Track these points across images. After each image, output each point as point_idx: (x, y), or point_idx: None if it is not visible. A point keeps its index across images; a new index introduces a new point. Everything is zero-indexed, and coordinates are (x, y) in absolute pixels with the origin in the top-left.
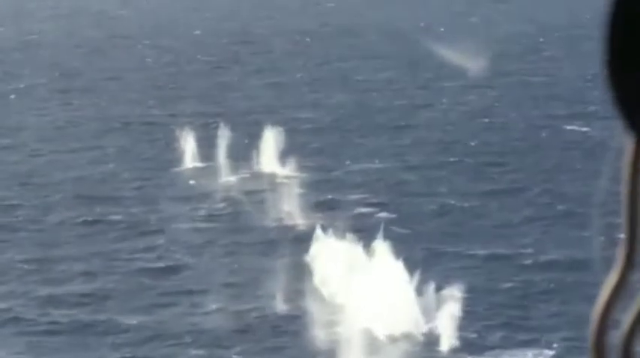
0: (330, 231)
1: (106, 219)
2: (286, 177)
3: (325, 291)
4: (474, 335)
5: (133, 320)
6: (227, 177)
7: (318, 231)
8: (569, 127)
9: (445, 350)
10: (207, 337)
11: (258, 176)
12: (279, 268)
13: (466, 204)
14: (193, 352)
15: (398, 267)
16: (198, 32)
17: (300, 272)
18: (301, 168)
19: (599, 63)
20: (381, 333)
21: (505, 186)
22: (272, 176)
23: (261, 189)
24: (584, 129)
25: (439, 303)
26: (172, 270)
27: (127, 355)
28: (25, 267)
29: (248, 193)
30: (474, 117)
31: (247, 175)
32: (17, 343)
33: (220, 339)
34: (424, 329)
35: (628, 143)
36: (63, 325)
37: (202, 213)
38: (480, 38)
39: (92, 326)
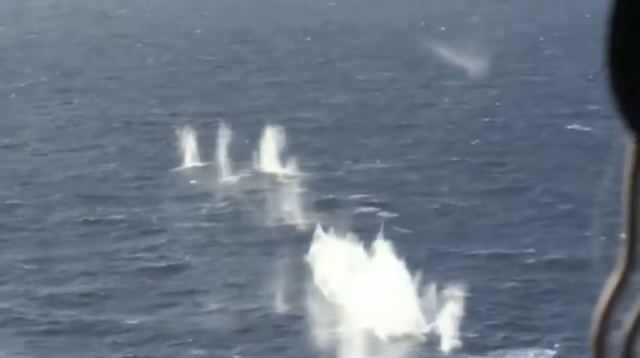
0: (331, 230)
1: (106, 218)
2: (287, 176)
3: (326, 291)
4: (476, 336)
5: (133, 320)
6: (228, 177)
7: (319, 231)
8: (570, 127)
9: (446, 350)
10: (208, 337)
11: (259, 175)
12: (279, 268)
13: (468, 204)
14: (194, 352)
15: (399, 266)
16: (198, 31)
17: (301, 272)
18: (302, 167)
19: (600, 62)
20: (382, 333)
21: (507, 185)
22: (273, 175)
23: (262, 189)
24: (586, 128)
25: (440, 303)
26: (173, 270)
27: (128, 355)
28: (26, 266)
29: (249, 193)
30: (476, 117)
31: (248, 175)
32: (18, 343)
33: (221, 339)
34: (425, 329)
35: (629, 143)
36: (63, 325)
37: (203, 212)
38: (481, 37)
39: (93, 326)
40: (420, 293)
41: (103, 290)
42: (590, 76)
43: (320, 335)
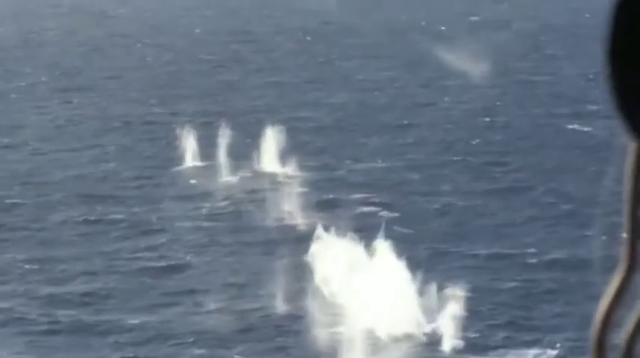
0: (332, 230)
1: (107, 218)
2: (287, 176)
3: (326, 291)
4: (477, 335)
5: (134, 320)
6: (228, 177)
7: (320, 231)
8: (571, 126)
9: (447, 350)
10: (208, 336)
11: (259, 175)
12: (280, 268)
13: (468, 204)
14: (195, 351)
15: (400, 266)
16: (198, 31)
17: (302, 271)
18: (302, 167)
19: (601, 62)
20: (382, 333)
21: (508, 185)
22: (273, 175)
23: (262, 189)
24: (587, 128)
25: (441, 303)
26: (174, 270)
27: (129, 355)
28: (26, 266)
29: (249, 192)
30: (476, 116)
31: (248, 174)
32: (18, 343)
33: (222, 339)
34: (426, 329)
35: (629, 143)
36: (64, 325)
37: (203, 212)
38: (481, 37)
39: (93, 325)
40: (421, 292)
41: (103, 290)
42: (591, 76)
43: (320, 335)
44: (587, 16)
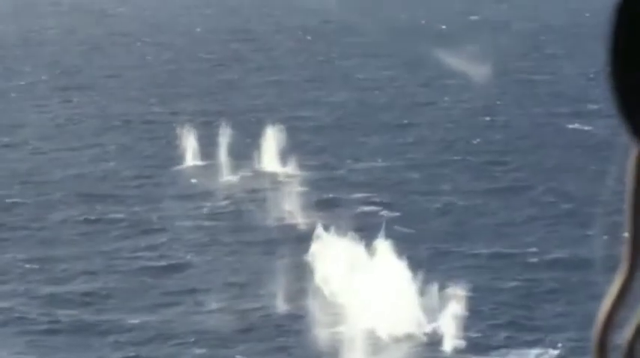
0: (332, 229)
1: (107, 217)
2: (288, 175)
3: (327, 290)
4: (478, 335)
5: (135, 320)
6: (228, 176)
7: (320, 230)
8: (571, 126)
9: (448, 350)
10: (209, 336)
11: (259, 174)
12: (280, 267)
13: (469, 203)
14: (196, 351)
15: (400, 266)
16: (198, 29)
17: (302, 271)
18: (303, 166)
19: (602, 62)
20: (383, 333)
21: (508, 184)
22: (273, 174)
23: (262, 188)
24: (587, 127)
25: (442, 303)
26: (174, 269)
27: (130, 354)
28: (26, 265)
29: (249, 192)
30: (476, 116)
31: (249, 174)
32: (18, 342)
33: (223, 338)
34: (427, 328)
35: (630, 142)
36: (64, 324)
37: (204, 211)
38: (482, 36)
39: (94, 325)
40: (422, 292)
41: (104, 290)
42: (591, 75)
43: (321, 335)
44: (587, 15)
